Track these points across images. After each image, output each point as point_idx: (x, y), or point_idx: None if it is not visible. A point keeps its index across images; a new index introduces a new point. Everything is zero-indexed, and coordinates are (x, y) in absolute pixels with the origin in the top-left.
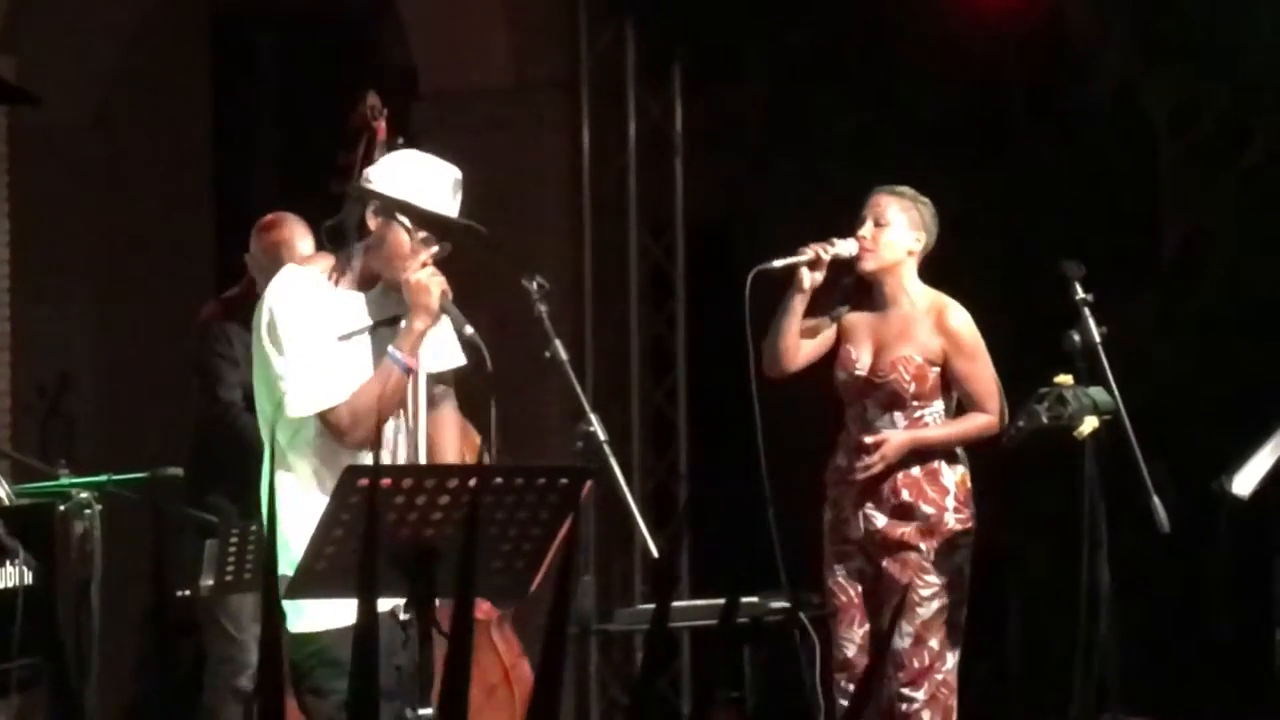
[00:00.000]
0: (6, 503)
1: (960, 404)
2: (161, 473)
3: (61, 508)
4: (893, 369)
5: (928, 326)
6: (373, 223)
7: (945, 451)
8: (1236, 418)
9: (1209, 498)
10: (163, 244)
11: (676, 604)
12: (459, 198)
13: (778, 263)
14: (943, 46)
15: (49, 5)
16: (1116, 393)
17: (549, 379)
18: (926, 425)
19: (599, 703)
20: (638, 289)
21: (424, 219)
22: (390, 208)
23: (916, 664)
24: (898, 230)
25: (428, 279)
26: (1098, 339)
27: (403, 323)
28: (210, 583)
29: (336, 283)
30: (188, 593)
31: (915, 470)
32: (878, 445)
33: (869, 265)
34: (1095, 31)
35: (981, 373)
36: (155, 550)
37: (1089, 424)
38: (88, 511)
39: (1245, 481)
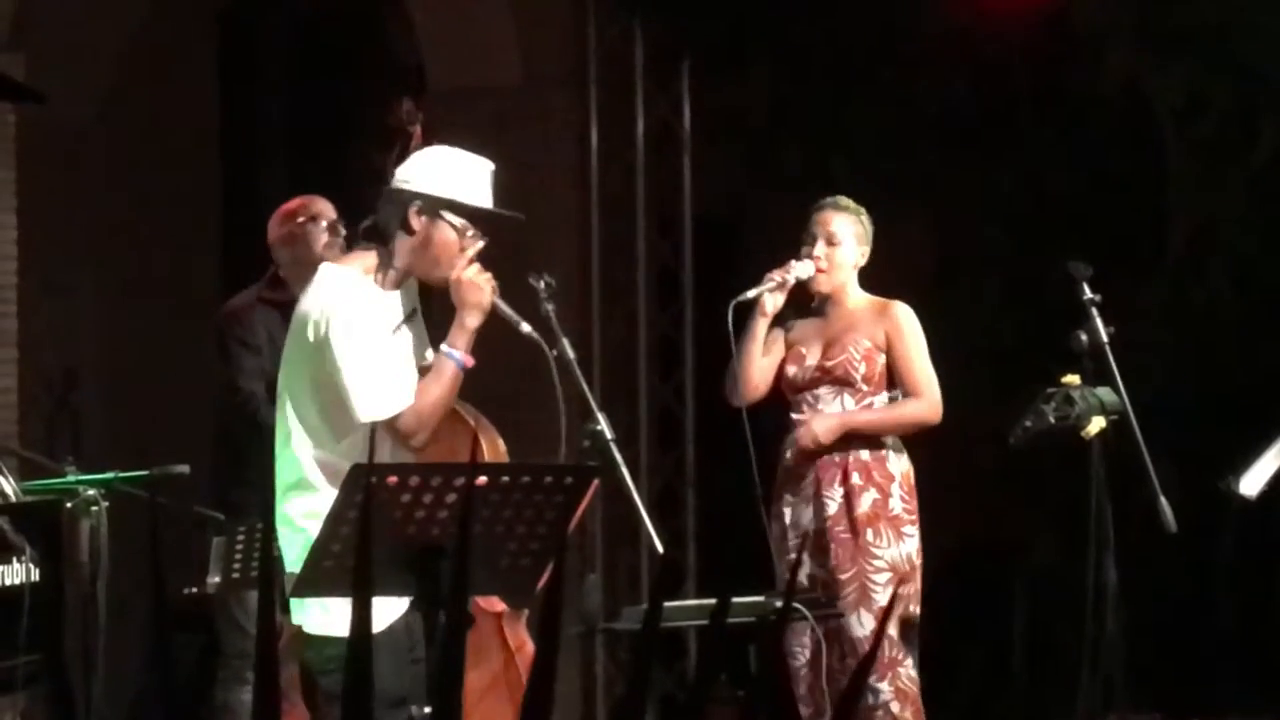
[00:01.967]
0: (13, 499)
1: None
2: (167, 470)
3: (68, 505)
4: (842, 351)
5: (871, 317)
6: (417, 222)
7: (893, 442)
8: (1244, 417)
9: (1216, 498)
10: (169, 240)
11: (682, 603)
12: (492, 189)
13: (751, 293)
14: (950, 42)
15: (56, 1)
16: (1124, 392)
17: (556, 378)
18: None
19: (604, 701)
20: (645, 287)
21: (471, 215)
22: (436, 206)
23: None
24: (848, 248)
25: (477, 276)
26: (1105, 339)
27: (454, 319)
28: (218, 580)
29: (382, 284)
30: (195, 590)
31: (864, 455)
32: (804, 429)
33: (824, 286)
34: (1102, 27)
35: (920, 362)
36: (152, 547)
37: (1096, 424)
38: (94, 509)
39: (1252, 482)
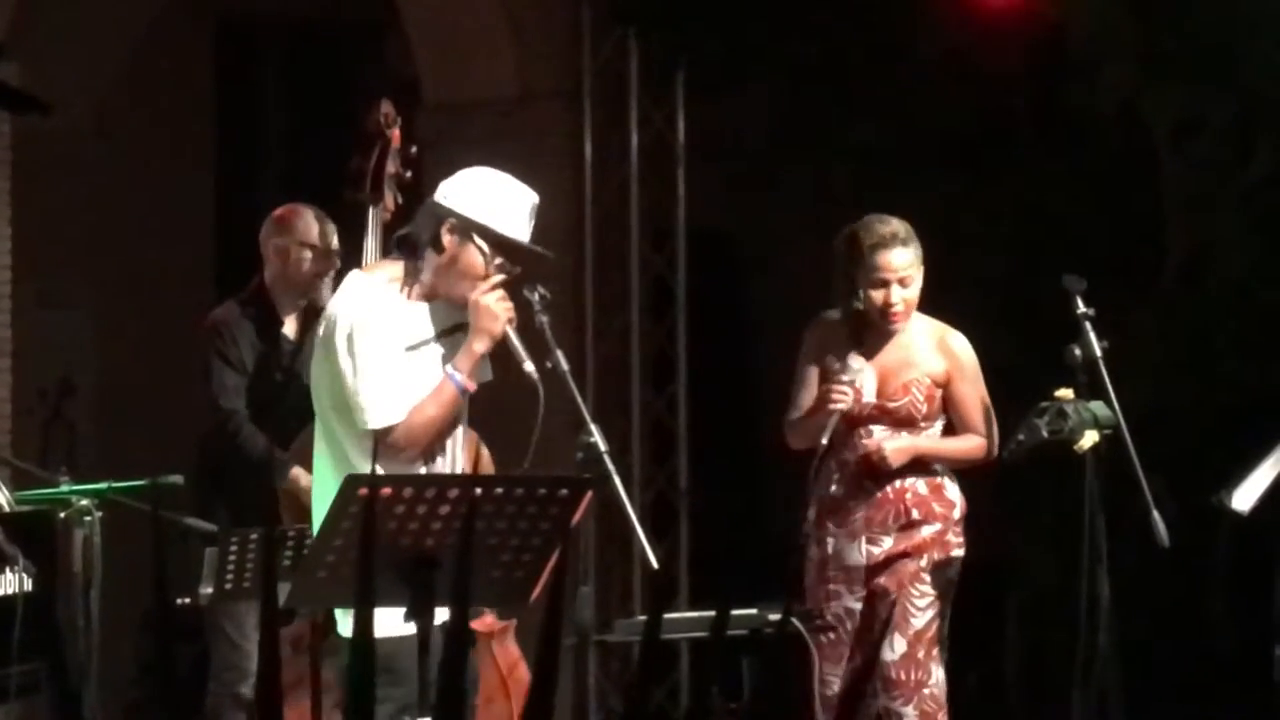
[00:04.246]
0: (7, 509)
1: (951, 425)
2: (162, 480)
3: (62, 515)
4: (905, 391)
5: (929, 349)
6: (447, 240)
7: (944, 469)
8: (1237, 432)
9: (1209, 512)
10: (164, 251)
11: (674, 615)
12: (532, 222)
13: (825, 439)
14: (947, 60)
15: (53, 11)
16: (1117, 407)
17: (550, 390)
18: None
19: (596, 713)
20: (639, 299)
21: (500, 243)
22: (467, 228)
23: (903, 676)
24: (917, 283)
25: (494, 303)
26: (1099, 353)
27: (467, 341)
28: (210, 591)
29: (408, 295)
30: (187, 600)
31: (922, 488)
32: (876, 450)
33: (899, 326)
34: (1099, 46)
35: (978, 397)
36: (157, 557)
37: (1089, 438)
38: (88, 519)
39: (1245, 496)
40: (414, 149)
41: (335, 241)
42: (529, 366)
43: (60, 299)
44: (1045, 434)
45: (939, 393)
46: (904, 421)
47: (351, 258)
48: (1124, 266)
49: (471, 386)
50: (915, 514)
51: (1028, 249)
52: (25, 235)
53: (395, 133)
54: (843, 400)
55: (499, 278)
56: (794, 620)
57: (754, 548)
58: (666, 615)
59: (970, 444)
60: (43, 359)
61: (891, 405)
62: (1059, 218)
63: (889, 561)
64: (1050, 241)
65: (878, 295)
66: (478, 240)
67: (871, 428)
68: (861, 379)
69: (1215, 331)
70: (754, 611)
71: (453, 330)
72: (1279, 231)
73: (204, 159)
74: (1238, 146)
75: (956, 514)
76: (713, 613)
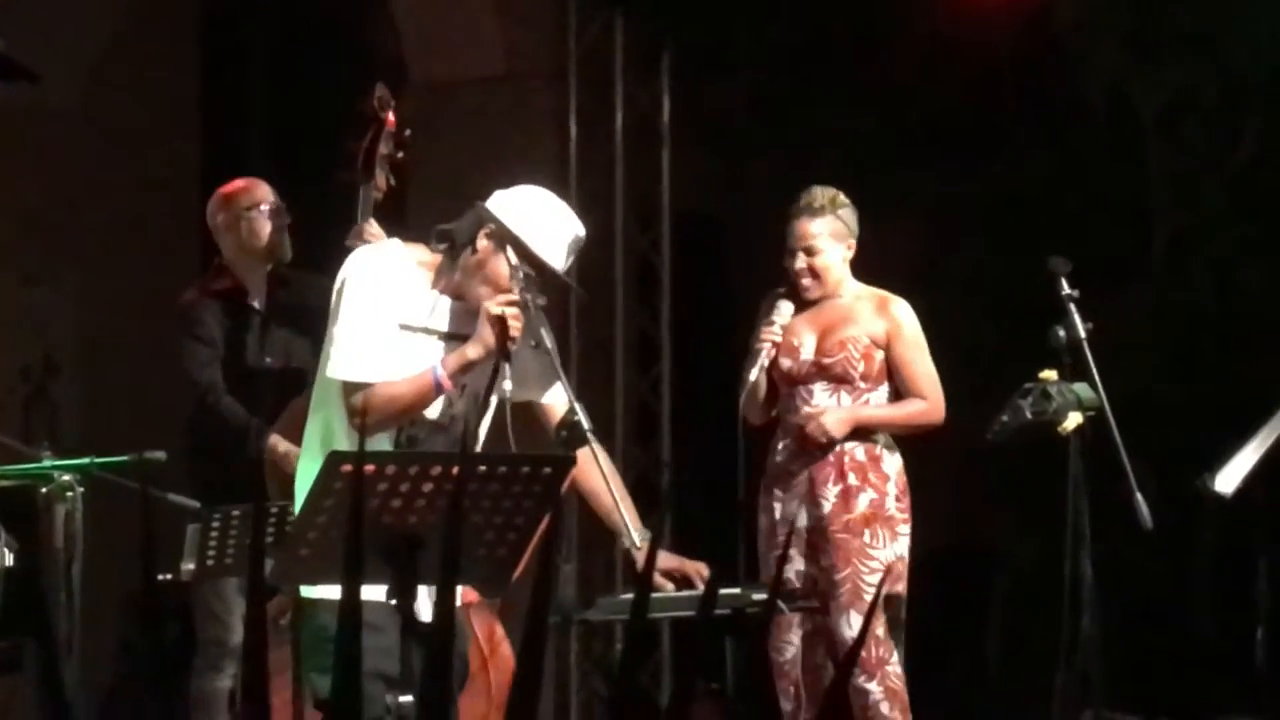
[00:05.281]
0: None
1: (897, 393)
2: (144, 456)
3: (44, 490)
4: (840, 348)
5: (869, 311)
6: (482, 244)
7: (885, 439)
8: (1221, 415)
9: (1192, 495)
10: (149, 229)
11: (657, 594)
12: (572, 256)
13: (752, 375)
14: (934, 42)
15: None
16: (1101, 389)
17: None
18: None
19: (579, 692)
20: (624, 281)
21: (530, 261)
22: (503, 237)
23: (865, 653)
24: (830, 253)
25: (503, 318)
26: (1083, 335)
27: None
28: (191, 567)
29: (435, 284)
30: (169, 577)
31: (860, 454)
32: (814, 422)
33: (813, 295)
34: (1086, 31)
35: (921, 360)
36: (147, 533)
37: (1073, 420)
38: (70, 494)
39: (1229, 479)
40: (408, 132)
41: (275, 197)
42: (506, 385)
43: (44, 277)
44: (1029, 415)
45: (879, 355)
46: (840, 379)
47: (342, 237)
48: (1111, 250)
49: (449, 385)
50: (852, 479)
51: (1014, 233)
52: (8, 214)
53: (390, 115)
54: (768, 339)
55: (518, 293)
56: (780, 603)
57: (735, 528)
58: (653, 595)
59: (913, 408)
60: (26, 337)
61: (827, 361)
62: (1045, 203)
63: (832, 531)
64: (1036, 226)
65: (787, 262)
66: (508, 252)
67: (812, 387)
68: (787, 320)
69: (1200, 314)
70: (738, 591)
71: (459, 339)
72: (1266, 214)
73: (189, 138)
74: (1224, 130)
75: (892, 487)
76: (694, 592)
